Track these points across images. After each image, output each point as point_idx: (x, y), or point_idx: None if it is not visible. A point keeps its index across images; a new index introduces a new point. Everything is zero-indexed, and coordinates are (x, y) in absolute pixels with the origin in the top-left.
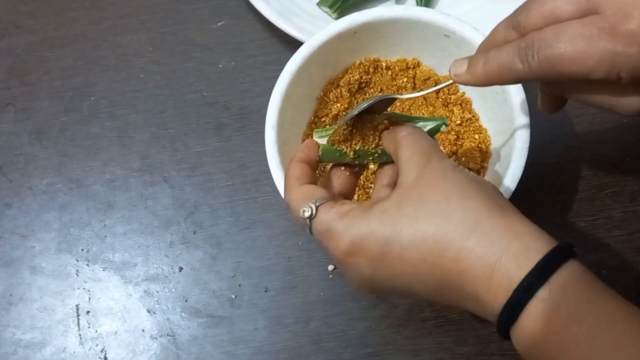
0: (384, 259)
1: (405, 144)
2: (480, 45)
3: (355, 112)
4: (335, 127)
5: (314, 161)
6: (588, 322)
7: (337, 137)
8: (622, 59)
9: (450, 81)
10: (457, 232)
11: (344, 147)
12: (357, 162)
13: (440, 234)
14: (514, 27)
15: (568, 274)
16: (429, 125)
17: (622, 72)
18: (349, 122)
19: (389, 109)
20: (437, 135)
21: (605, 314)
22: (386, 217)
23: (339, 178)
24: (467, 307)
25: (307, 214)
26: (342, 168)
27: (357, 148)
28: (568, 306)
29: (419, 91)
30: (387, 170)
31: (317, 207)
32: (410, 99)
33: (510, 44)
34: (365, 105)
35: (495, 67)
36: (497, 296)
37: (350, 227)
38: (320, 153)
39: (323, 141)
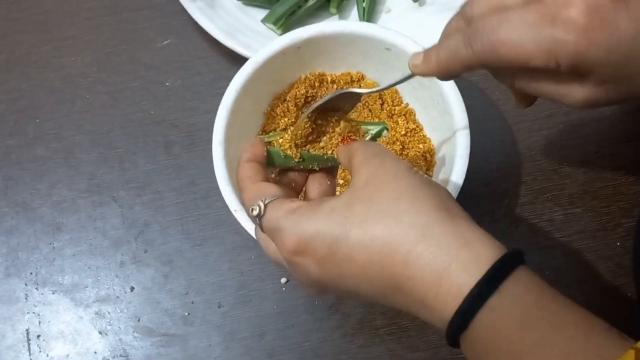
0: (331, 258)
1: (358, 151)
2: (438, 40)
3: (315, 105)
4: (278, 134)
5: (262, 159)
6: (539, 328)
7: (299, 133)
8: (560, 45)
9: (410, 73)
10: (406, 236)
11: (289, 151)
12: (302, 167)
13: (389, 236)
14: (464, 17)
15: (518, 281)
16: (374, 130)
17: (560, 59)
18: (306, 123)
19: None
20: (384, 146)
21: (555, 319)
22: (335, 216)
23: (292, 172)
24: (413, 311)
25: (255, 213)
26: (283, 186)
27: (306, 151)
28: (519, 313)
29: (378, 87)
30: (319, 179)
31: (265, 205)
32: (355, 110)
33: (458, 32)
34: (326, 98)
35: (444, 54)
36: (447, 304)
37: (298, 225)
38: (267, 154)
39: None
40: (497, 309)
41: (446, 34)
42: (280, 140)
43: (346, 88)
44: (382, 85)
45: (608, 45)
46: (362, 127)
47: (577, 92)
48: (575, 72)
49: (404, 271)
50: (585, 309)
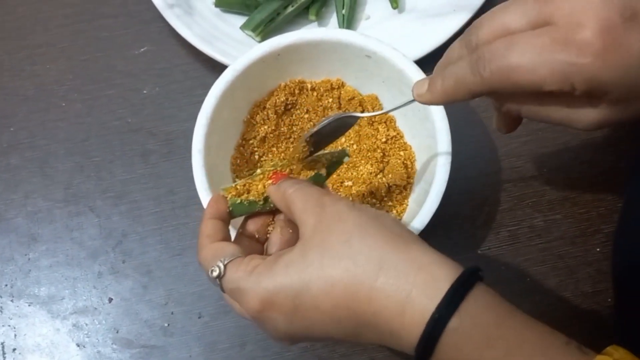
0: (297, 311)
1: (295, 199)
2: (438, 66)
3: (315, 129)
4: (241, 181)
5: (224, 215)
6: (499, 348)
7: (296, 156)
8: (575, 69)
9: (412, 99)
10: (364, 274)
11: (250, 196)
12: (267, 208)
13: (349, 279)
14: (466, 45)
15: (476, 300)
16: (334, 159)
17: (576, 82)
18: (304, 147)
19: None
20: (365, 153)
21: (514, 337)
22: (292, 270)
23: (245, 248)
24: (386, 344)
25: (215, 274)
26: (246, 239)
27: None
28: (479, 333)
29: (374, 111)
30: (282, 224)
31: (225, 266)
32: None
33: (464, 59)
34: (325, 122)
35: (450, 82)
36: (412, 331)
37: (258, 284)
38: (230, 209)
39: (233, 198)
40: (459, 330)
41: (447, 61)
42: (239, 188)
43: (346, 112)
44: (385, 109)
45: (622, 66)
46: (323, 159)
47: (588, 115)
48: (590, 94)
49: (369, 308)
50: (543, 323)
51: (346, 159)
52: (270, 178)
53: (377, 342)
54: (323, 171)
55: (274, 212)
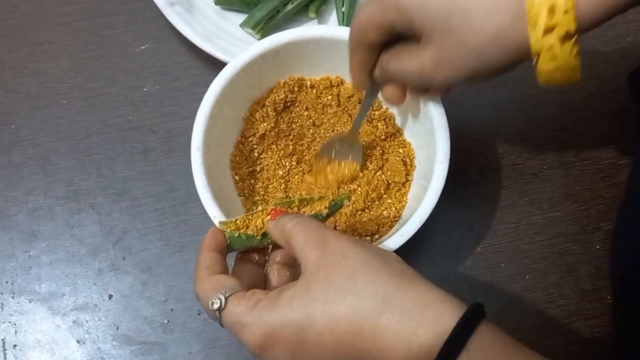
0: (301, 346)
1: (295, 232)
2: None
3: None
4: (240, 217)
5: (223, 248)
6: None
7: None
8: (389, 7)
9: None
10: (369, 310)
11: (249, 230)
12: (265, 244)
13: (353, 315)
14: None
15: (482, 336)
16: (334, 202)
17: (394, 20)
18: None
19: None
20: (364, 151)
21: None
22: (296, 304)
23: (246, 272)
24: None
25: (215, 306)
26: (246, 263)
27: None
28: None
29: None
30: (280, 251)
31: (226, 299)
32: (335, 117)
33: None
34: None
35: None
36: None
37: (260, 319)
38: (228, 242)
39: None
40: None
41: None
42: (239, 222)
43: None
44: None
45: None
46: (325, 200)
47: (423, 63)
48: (412, 34)
49: (374, 345)
50: (546, 358)
51: (347, 203)
52: (269, 214)
53: None
54: (325, 211)
55: (263, 259)
